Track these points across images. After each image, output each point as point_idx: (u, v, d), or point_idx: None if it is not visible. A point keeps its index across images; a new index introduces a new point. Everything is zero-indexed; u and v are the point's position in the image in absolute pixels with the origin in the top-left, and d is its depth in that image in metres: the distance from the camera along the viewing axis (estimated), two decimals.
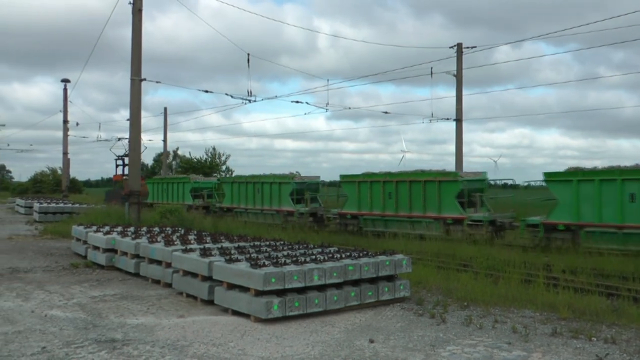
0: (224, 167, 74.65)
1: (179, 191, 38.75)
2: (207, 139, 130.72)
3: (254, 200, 31.13)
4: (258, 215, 30.58)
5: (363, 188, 25.36)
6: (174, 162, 77.00)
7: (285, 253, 10.73)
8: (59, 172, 70.59)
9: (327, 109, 31.85)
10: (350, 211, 25.63)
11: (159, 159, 72.96)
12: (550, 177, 20.07)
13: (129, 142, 22.68)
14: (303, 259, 9.90)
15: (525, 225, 20.39)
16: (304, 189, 28.90)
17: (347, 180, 26.24)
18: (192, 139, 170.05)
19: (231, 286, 9.39)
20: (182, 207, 25.74)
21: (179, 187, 38.88)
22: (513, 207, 25.01)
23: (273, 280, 8.67)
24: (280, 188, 29.39)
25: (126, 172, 48.99)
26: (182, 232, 15.59)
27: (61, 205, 34.11)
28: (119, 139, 50.46)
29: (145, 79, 22.72)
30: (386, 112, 35.12)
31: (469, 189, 22.56)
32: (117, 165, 50.45)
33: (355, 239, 22.05)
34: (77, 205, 35.06)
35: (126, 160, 49.28)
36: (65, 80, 52.55)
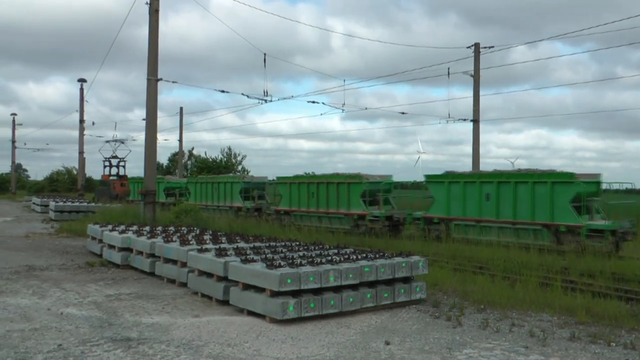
0: (239, 168, 74.71)
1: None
2: (222, 139, 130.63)
3: (212, 197, 35.65)
4: (215, 211, 33.88)
5: (293, 188, 29.74)
6: (189, 162, 77.23)
7: (301, 254, 10.73)
8: (75, 171, 71.12)
9: (343, 110, 31.93)
10: (284, 208, 30.15)
11: (174, 158, 73.28)
12: (429, 179, 24.36)
13: (145, 141, 22.75)
14: (319, 260, 9.90)
15: (412, 218, 24.32)
16: (252, 188, 33.42)
17: (282, 181, 31.08)
18: (206, 139, 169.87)
19: (247, 286, 9.41)
20: (197, 207, 26.89)
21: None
22: None
23: (289, 281, 8.68)
24: (232, 187, 34.05)
25: (113, 172, 52.63)
26: (198, 232, 15.66)
27: (77, 204, 34.40)
28: (107, 142, 54.43)
29: (161, 79, 22.83)
30: (403, 113, 35.04)
31: (372, 190, 26.24)
32: (105, 166, 54.65)
33: (373, 240, 22.04)
34: (92, 204, 35.37)
35: (113, 161, 52.36)
36: (82, 80, 52.88)
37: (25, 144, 76.50)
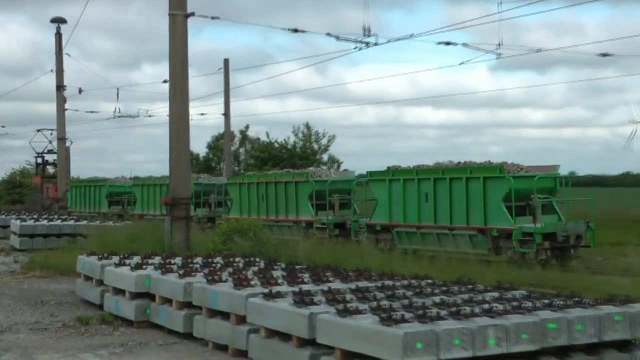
0: (325, 156, 74.68)
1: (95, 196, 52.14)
2: (291, 111, 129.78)
3: (160, 205, 41.49)
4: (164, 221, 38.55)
5: (243, 190, 37.83)
6: (241, 150, 77.78)
7: (437, 299, 10.76)
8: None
9: (499, 55, 31.20)
10: (234, 216, 36.40)
11: (217, 145, 73.90)
12: (371, 176, 31.31)
13: (169, 116, 23.16)
14: (468, 309, 9.89)
15: (357, 226, 31.08)
16: (204, 191, 42.92)
17: (232, 182, 40.17)
18: (264, 111, 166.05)
19: (348, 355, 9.51)
20: (259, 225, 28.09)
21: (95, 191, 52.08)
22: None
23: (419, 345, 8.71)
24: None
25: (49, 171, 56.51)
26: (263, 265, 15.98)
27: (57, 222, 35.18)
28: (38, 130, 59.82)
29: (193, 14, 23.12)
30: (604, 55, 34.27)
31: (322, 190, 33.36)
32: (37, 165, 61.10)
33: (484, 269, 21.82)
34: (83, 222, 36.08)
35: (47, 157, 55.83)
36: (59, 21, 52.39)
37: None
